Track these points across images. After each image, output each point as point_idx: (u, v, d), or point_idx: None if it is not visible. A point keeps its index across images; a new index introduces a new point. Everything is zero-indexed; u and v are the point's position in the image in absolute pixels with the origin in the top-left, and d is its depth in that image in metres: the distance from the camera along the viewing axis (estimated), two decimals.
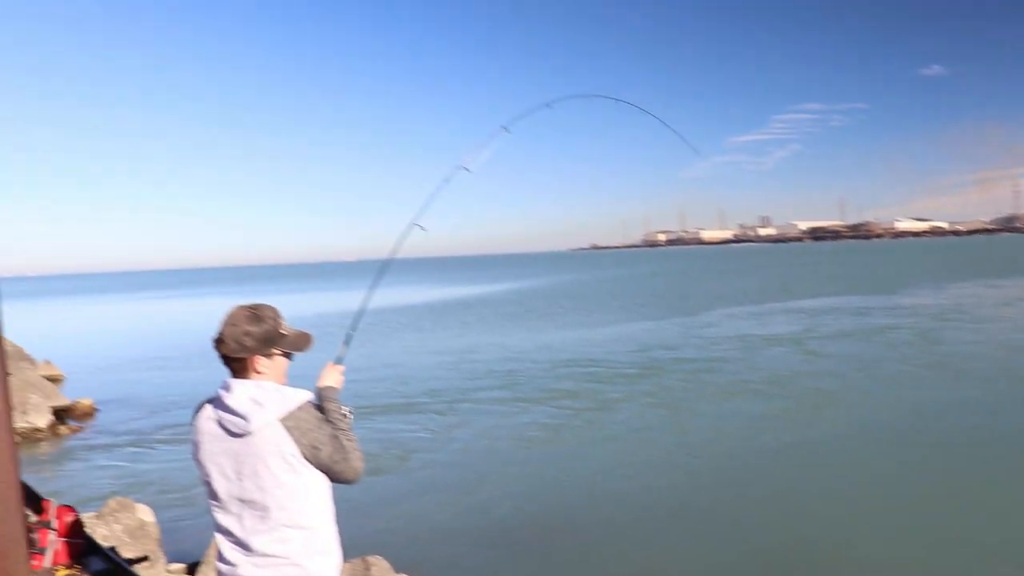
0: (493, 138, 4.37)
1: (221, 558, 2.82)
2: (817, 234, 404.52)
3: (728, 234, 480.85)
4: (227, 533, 2.80)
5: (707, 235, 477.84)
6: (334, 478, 2.81)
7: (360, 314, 3.75)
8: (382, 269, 4.10)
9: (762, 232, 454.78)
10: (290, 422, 2.70)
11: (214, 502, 2.83)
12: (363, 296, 3.89)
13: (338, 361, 3.23)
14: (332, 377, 3.10)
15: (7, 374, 3.31)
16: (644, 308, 40.08)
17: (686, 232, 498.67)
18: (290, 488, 2.70)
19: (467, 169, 4.23)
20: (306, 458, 2.71)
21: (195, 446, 2.86)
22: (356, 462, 2.81)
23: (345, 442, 2.80)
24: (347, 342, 3.45)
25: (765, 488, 10.07)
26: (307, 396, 2.82)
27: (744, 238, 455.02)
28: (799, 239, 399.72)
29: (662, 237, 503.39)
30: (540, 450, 12.54)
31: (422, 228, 4.06)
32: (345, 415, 2.94)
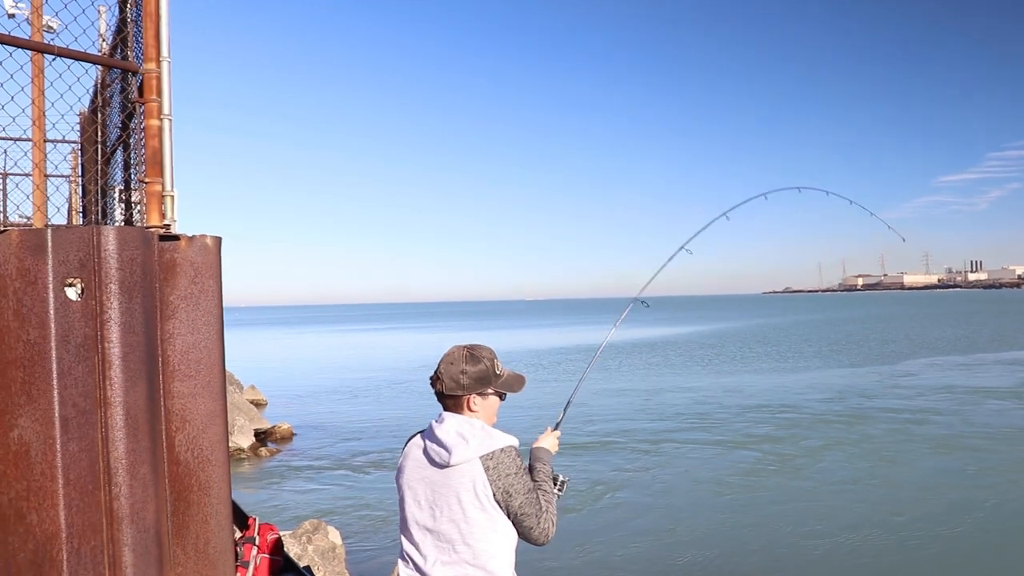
0: (713, 223, 4.82)
1: None
2: None
3: (933, 279, 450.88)
4: (409, 559, 2.86)
5: (909, 279, 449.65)
6: (522, 533, 2.81)
7: (580, 381, 3.91)
8: (600, 348, 4.41)
9: (972, 277, 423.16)
10: (490, 462, 2.74)
11: (404, 527, 2.90)
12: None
13: (556, 427, 3.32)
14: (548, 441, 3.18)
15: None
16: (839, 354, 38.12)
17: (886, 276, 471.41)
18: (477, 526, 2.73)
19: (689, 251, 4.62)
20: (497, 501, 2.74)
21: (399, 470, 2.95)
22: (547, 524, 2.81)
23: (543, 501, 2.83)
24: (566, 408, 3.61)
25: (984, 560, 9.16)
26: (512, 441, 2.85)
27: (951, 283, 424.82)
28: (1015, 285, 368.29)
29: (860, 281, 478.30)
30: (736, 497, 12.08)
31: (645, 305, 4.52)
32: (559, 483, 3.01)
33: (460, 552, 2.72)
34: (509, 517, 2.77)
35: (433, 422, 2.90)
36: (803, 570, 8.91)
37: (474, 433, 2.77)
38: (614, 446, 16.22)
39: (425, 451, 2.85)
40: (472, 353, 2.90)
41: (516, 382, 2.99)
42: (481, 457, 2.74)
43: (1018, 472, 13.07)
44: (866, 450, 15.20)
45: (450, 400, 2.88)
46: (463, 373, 2.85)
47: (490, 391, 2.90)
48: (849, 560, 9.18)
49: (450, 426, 2.81)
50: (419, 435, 2.96)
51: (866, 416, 19.20)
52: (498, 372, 2.92)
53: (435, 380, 2.89)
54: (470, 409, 2.87)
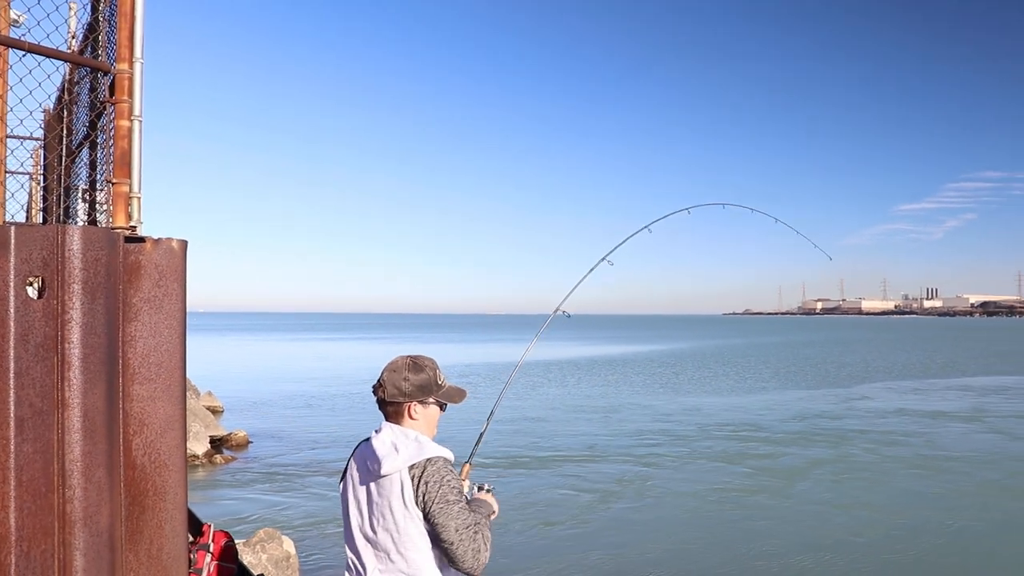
0: (635, 236, 4.98)
1: None
2: (989, 309, 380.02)
3: (890, 305, 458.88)
4: (352, 568, 2.91)
5: (867, 305, 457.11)
6: (444, 551, 2.75)
7: (494, 410, 3.93)
8: (517, 364, 4.43)
9: (927, 304, 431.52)
10: (416, 471, 2.76)
11: (347, 536, 2.93)
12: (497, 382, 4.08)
13: (472, 470, 3.43)
14: (484, 497, 3.14)
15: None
16: (799, 376, 38.62)
17: (844, 301, 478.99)
18: (407, 535, 2.75)
19: (610, 262, 4.73)
20: (421, 511, 2.75)
21: (344, 480, 2.97)
22: (473, 548, 2.72)
23: (471, 521, 2.77)
24: (478, 442, 3.73)
25: None
26: (445, 453, 2.86)
27: (907, 310, 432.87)
28: (968, 313, 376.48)
29: (819, 305, 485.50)
30: (694, 513, 12.16)
31: (567, 315, 4.56)
32: (486, 489, 3.05)
33: (395, 561, 2.75)
34: (431, 527, 2.74)
35: (373, 432, 2.93)
36: None
37: (407, 444, 2.80)
38: (573, 462, 16.25)
39: (363, 460, 2.89)
40: (415, 362, 2.94)
41: (456, 394, 3.03)
42: (410, 467, 2.76)
43: (976, 495, 13.34)
44: (827, 471, 15.40)
45: (391, 407, 2.90)
46: (405, 380, 2.88)
47: (431, 400, 2.94)
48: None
49: (385, 437, 2.84)
50: (364, 444, 2.99)
51: (827, 437, 19.49)
52: (440, 382, 2.96)
53: (377, 387, 2.93)
54: (411, 417, 2.90)
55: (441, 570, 2.81)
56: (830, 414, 24.07)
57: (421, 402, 2.91)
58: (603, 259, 4.70)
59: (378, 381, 2.93)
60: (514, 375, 4.26)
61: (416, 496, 2.73)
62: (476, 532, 2.76)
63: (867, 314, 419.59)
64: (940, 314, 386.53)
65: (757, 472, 15.26)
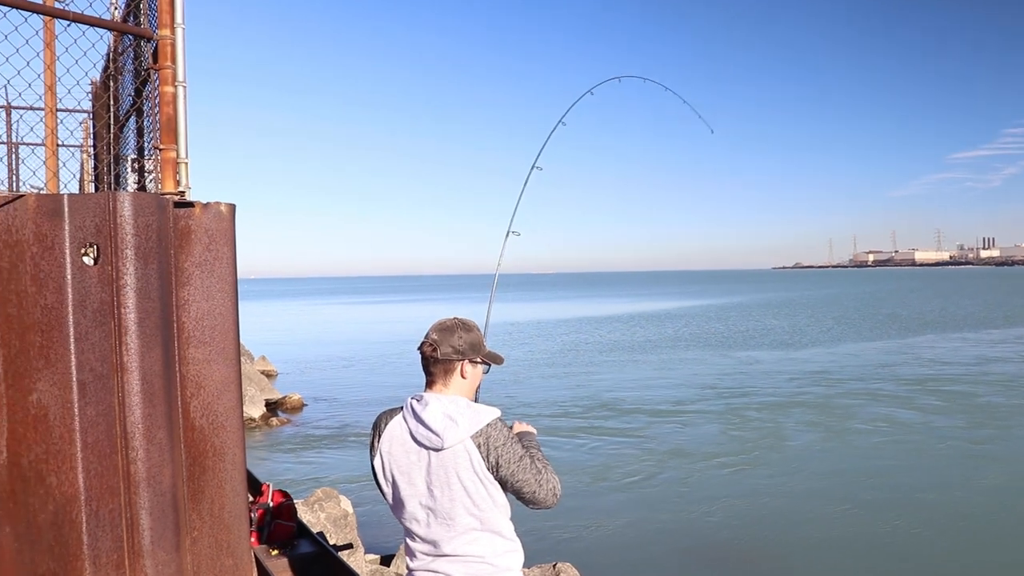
0: (553, 132, 4.87)
1: (410, 553, 2.94)
2: None
3: (944, 255, 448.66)
4: (414, 537, 2.91)
5: (921, 256, 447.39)
6: (525, 499, 2.84)
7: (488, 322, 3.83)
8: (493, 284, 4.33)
9: (984, 254, 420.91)
10: (480, 439, 2.78)
11: (399, 507, 2.93)
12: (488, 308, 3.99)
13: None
14: (525, 428, 3.19)
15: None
16: (856, 329, 38.11)
17: (897, 252, 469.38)
18: (478, 497, 2.79)
19: (540, 168, 4.69)
20: (491, 472, 2.79)
21: (381, 453, 2.94)
22: (549, 485, 2.83)
23: (538, 463, 2.85)
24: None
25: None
26: (497, 412, 2.88)
27: (962, 260, 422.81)
28: None
29: (870, 257, 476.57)
30: (750, 469, 12.17)
31: (516, 234, 4.44)
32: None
33: (465, 523, 2.78)
34: (506, 488, 2.82)
35: (413, 403, 2.88)
36: (805, 536, 8.98)
37: (461, 412, 2.80)
38: (627, 421, 16.31)
39: (412, 434, 2.85)
40: (464, 322, 2.96)
41: (498, 357, 3.04)
42: (472, 436, 2.77)
43: None
44: (946, 420, 15.44)
45: (443, 366, 2.87)
46: (459, 339, 2.88)
47: (479, 360, 2.94)
48: (855, 530, 9.23)
49: (436, 408, 2.81)
50: (399, 415, 2.92)
51: (928, 385, 19.61)
52: (483, 343, 2.98)
53: (426, 345, 2.89)
54: (462, 376, 2.89)
55: (509, 522, 2.88)
56: (911, 363, 24.41)
57: (471, 361, 2.91)
58: (533, 167, 4.69)
59: (428, 341, 2.89)
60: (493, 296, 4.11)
61: (486, 463, 2.77)
62: (545, 472, 2.83)
63: (921, 265, 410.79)
64: (998, 263, 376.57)
65: (866, 423, 15.19)
